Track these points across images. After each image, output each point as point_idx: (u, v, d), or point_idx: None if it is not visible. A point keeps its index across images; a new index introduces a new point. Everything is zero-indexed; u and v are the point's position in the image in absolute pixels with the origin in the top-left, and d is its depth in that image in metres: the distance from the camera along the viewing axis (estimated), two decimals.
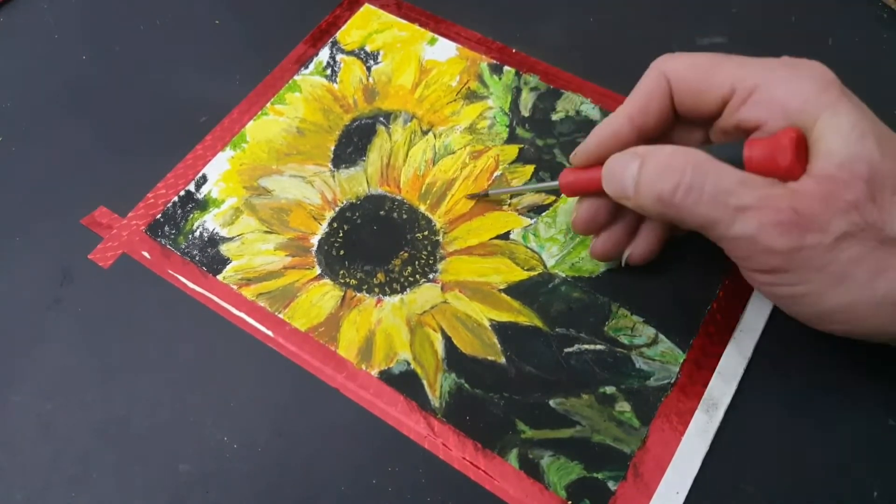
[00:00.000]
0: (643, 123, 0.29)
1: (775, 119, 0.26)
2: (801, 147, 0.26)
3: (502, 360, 0.31)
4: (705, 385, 0.30)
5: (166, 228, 0.35)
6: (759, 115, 0.27)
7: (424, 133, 0.38)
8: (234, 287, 0.33)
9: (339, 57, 0.41)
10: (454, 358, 0.31)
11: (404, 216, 0.35)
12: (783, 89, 0.26)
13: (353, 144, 0.37)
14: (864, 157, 0.24)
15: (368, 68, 0.40)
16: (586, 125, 0.37)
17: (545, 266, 0.33)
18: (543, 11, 0.42)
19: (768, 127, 0.27)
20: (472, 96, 0.39)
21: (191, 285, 0.34)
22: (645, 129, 0.29)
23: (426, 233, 0.35)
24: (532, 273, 0.33)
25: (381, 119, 0.38)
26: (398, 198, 0.36)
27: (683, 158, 0.26)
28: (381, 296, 0.33)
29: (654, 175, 0.27)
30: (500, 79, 0.39)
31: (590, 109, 0.38)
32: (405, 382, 0.31)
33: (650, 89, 0.29)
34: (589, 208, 0.31)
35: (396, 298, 0.33)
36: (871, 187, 0.24)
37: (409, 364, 0.31)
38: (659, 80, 0.29)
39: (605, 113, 0.37)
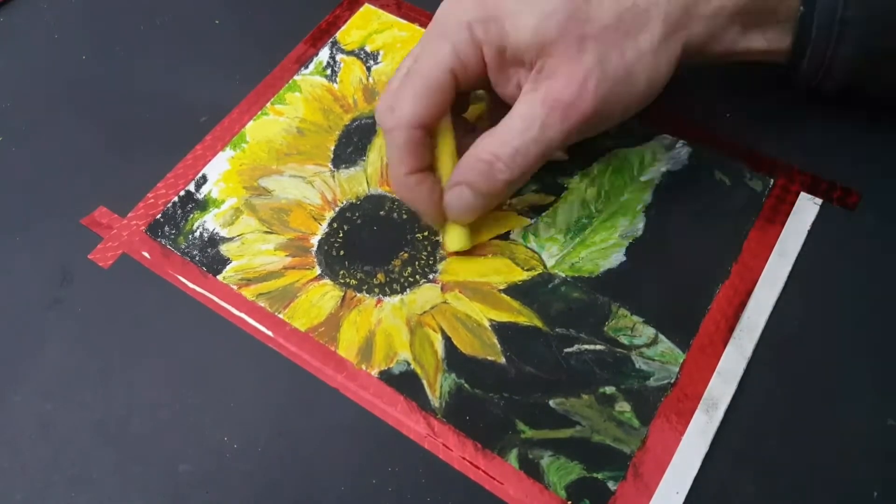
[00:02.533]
0: (418, 164, 0.31)
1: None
2: None
3: (502, 360, 0.31)
4: (705, 385, 0.30)
5: (166, 228, 0.35)
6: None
7: None
8: (234, 287, 0.34)
9: (339, 57, 0.41)
10: (454, 358, 0.31)
11: (404, 216, 0.35)
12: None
13: (353, 144, 0.37)
14: (548, 6, 0.29)
15: (368, 68, 0.40)
16: None
17: (545, 266, 0.33)
18: None
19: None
20: (471, 96, 0.39)
21: (191, 285, 0.34)
22: (424, 166, 0.32)
23: (426, 233, 0.35)
24: (532, 273, 0.33)
25: None
26: (398, 198, 0.36)
27: (483, 150, 0.30)
28: (381, 296, 0.33)
29: (486, 179, 0.30)
30: None
31: None
32: (405, 382, 0.31)
33: (400, 143, 0.31)
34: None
35: (396, 299, 0.33)
36: (573, 17, 0.29)
37: (409, 364, 0.31)
38: (398, 134, 0.31)
39: None
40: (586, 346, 0.31)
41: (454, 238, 0.33)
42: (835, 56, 0.31)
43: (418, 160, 0.31)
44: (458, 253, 0.34)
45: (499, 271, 0.33)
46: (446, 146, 0.32)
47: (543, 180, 0.36)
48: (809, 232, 0.34)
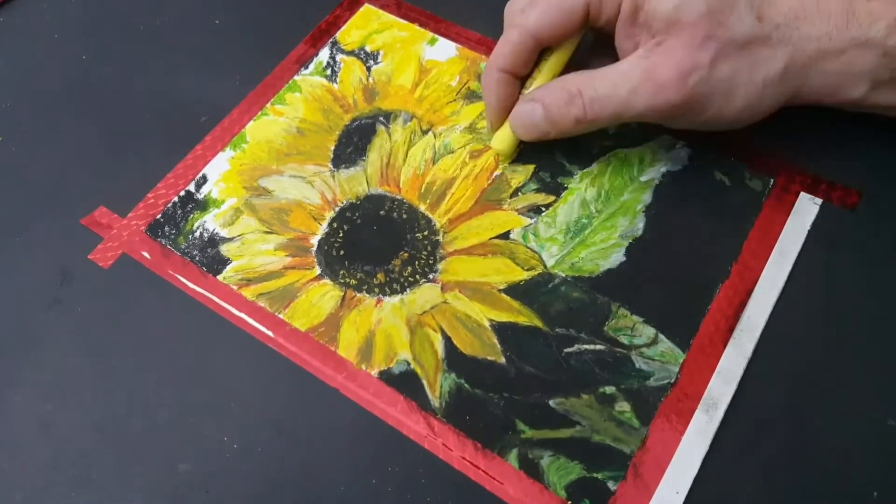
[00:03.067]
0: (513, 65, 0.33)
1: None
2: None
3: (502, 360, 0.31)
4: (705, 385, 0.30)
5: (166, 228, 0.35)
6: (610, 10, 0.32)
7: (424, 133, 0.38)
8: (235, 287, 0.34)
9: (339, 57, 0.41)
10: (454, 358, 0.31)
11: (404, 216, 0.35)
12: None
13: (352, 144, 0.37)
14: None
15: (368, 68, 0.40)
16: None
17: (545, 266, 0.33)
18: None
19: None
20: (472, 96, 0.39)
21: (191, 285, 0.34)
22: (517, 72, 0.34)
23: (426, 233, 0.35)
24: (532, 273, 0.33)
25: (381, 119, 0.38)
26: (398, 198, 0.36)
27: (571, 83, 0.32)
28: (381, 296, 0.33)
29: (559, 107, 0.32)
30: None
31: None
32: (405, 382, 0.31)
33: (511, 40, 0.33)
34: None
35: (396, 298, 0.33)
36: (712, 16, 0.30)
37: (409, 364, 0.31)
38: (514, 32, 0.32)
39: None
40: (586, 346, 0.31)
41: (502, 139, 0.35)
42: None
43: (517, 64, 0.33)
44: (457, 252, 0.34)
45: (499, 271, 0.33)
46: (548, 66, 0.34)
47: (543, 180, 0.36)
48: (809, 232, 0.34)
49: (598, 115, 0.32)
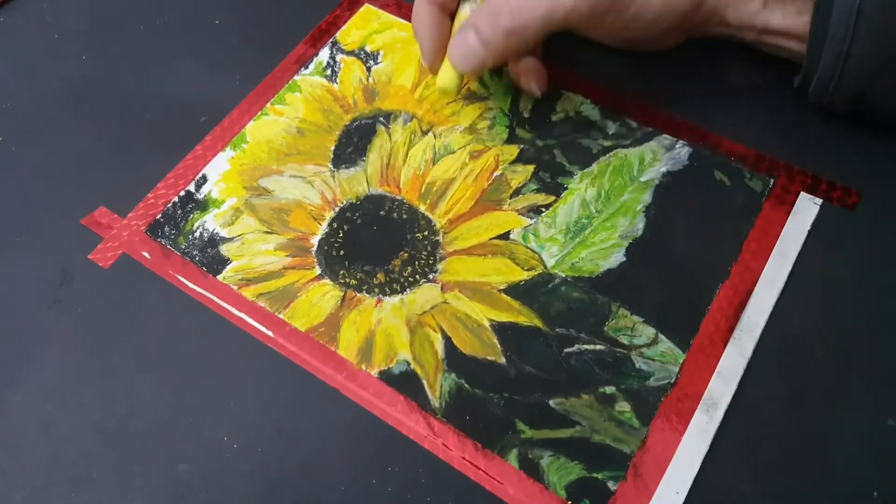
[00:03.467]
0: (444, 2, 0.34)
1: None
2: None
3: (502, 360, 0.31)
4: (705, 385, 0.30)
5: (166, 229, 0.35)
6: None
7: (424, 133, 0.38)
8: (235, 287, 0.34)
9: (339, 57, 0.41)
10: (454, 358, 0.31)
11: (404, 216, 0.35)
12: None
13: (353, 144, 0.37)
14: None
15: (368, 68, 0.40)
16: (586, 125, 0.37)
17: (545, 266, 0.33)
18: None
19: None
20: (472, 96, 0.39)
21: (191, 285, 0.34)
22: (447, 6, 0.35)
23: (426, 233, 0.35)
24: (532, 273, 0.33)
25: (381, 119, 0.38)
26: (398, 198, 0.36)
27: (497, 0, 0.32)
28: (381, 296, 0.33)
29: (490, 23, 0.33)
30: (500, 79, 0.39)
31: (589, 109, 0.38)
32: (405, 382, 0.31)
33: None
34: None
35: (396, 298, 0.33)
36: None
37: (409, 364, 0.31)
38: None
39: (604, 112, 0.37)
40: (586, 346, 0.31)
41: (444, 75, 0.35)
42: (850, 52, 0.31)
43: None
44: (457, 252, 0.34)
45: (499, 271, 0.33)
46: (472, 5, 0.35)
47: (543, 180, 0.36)
48: (809, 232, 0.34)
49: (527, 21, 0.32)
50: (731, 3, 0.34)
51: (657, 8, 0.33)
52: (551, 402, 0.30)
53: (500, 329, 0.32)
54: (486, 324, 0.32)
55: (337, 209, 0.36)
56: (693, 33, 0.36)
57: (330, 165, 0.37)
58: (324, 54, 0.41)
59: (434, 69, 0.36)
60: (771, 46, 0.35)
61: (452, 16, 0.35)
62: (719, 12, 0.34)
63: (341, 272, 0.34)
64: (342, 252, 0.34)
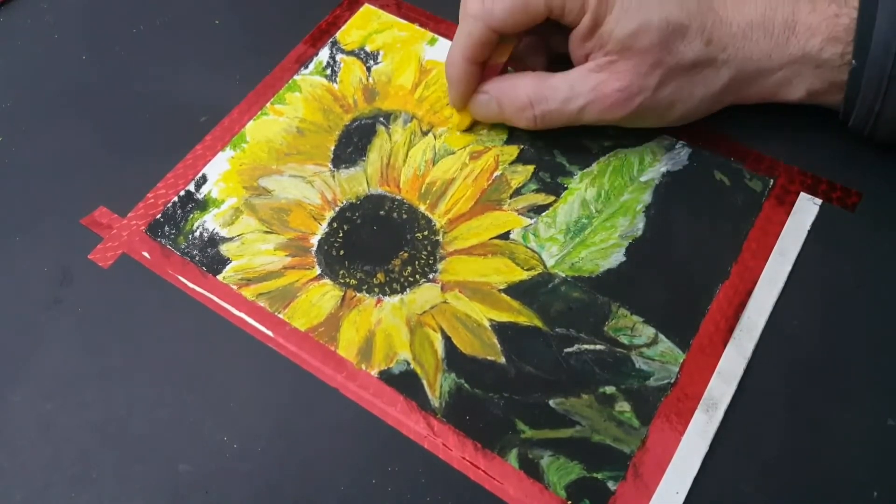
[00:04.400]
0: (478, 57, 0.35)
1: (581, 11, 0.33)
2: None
3: (502, 360, 0.31)
4: (705, 385, 0.30)
5: (166, 228, 0.35)
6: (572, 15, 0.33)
7: (424, 133, 0.38)
8: (234, 287, 0.33)
9: (338, 57, 0.41)
10: (454, 358, 0.31)
11: (404, 216, 0.35)
12: None
13: (353, 144, 0.37)
14: (650, 25, 0.32)
15: (368, 68, 0.40)
16: (586, 125, 0.37)
17: (545, 266, 0.33)
18: None
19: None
20: None
21: (191, 285, 0.34)
22: (481, 61, 0.35)
23: (426, 233, 0.35)
24: (532, 273, 0.33)
25: (381, 119, 0.38)
26: (398, 198, 0.36)
27: (523, 90, 0.34)
28: (380, 296, 0.33)
29: (514, 111, 0.35)
30: None
31: None
32: (405, 382, 0.31)
33: (475, 35, 0.34)
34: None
35: (396, 298, 0.33)
36: (664, 44, 0.32)
37: (408, 364, 0.31)
38: (479, 27, 0.33)
39: None
40: (586, 346, 0.31)
41: (464, 120, 0.37)
42: (882, 111, 0.32)
43: (482, 55, 0.34)
44: (457, 252, 0.34)
45: (499, 271, 0.33)
46: (504, 51, 0.35)
47: (543, 180, 0.36)
48: (809, 232, 0.34)
49: (548, 125, 0.35)
50: (765, 99, 0.35)
51: (674, 119, 0.35)
52: (551, 402, 0.30)
53: (500, 329, 0.32)
54: (486, 324, 0.32)
55: (337, 209, 0.36)
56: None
57: (330, 165, 0.37)
58: (324, 54, 0.41)
59: (459, 110, 0.37)
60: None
61: (484, 65, 0.35)
62: (755, 102, 0.35)
63: (341, 272, 0.34)
64: (342, 252, 0.34)
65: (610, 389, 0.30)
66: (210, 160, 0.37)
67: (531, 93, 0.34)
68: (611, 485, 0.28)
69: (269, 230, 0.35)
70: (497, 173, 0.36)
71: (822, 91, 0.34)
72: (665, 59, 0.32)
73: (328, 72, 0.40)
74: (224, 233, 0.35)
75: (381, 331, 0.32)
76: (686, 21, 0.32)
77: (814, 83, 0.33)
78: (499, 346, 0.32)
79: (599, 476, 0.29)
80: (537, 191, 0.35)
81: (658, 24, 0.32)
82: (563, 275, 0.33)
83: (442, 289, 0.33)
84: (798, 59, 0.33)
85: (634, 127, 0.36)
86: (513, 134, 0.37)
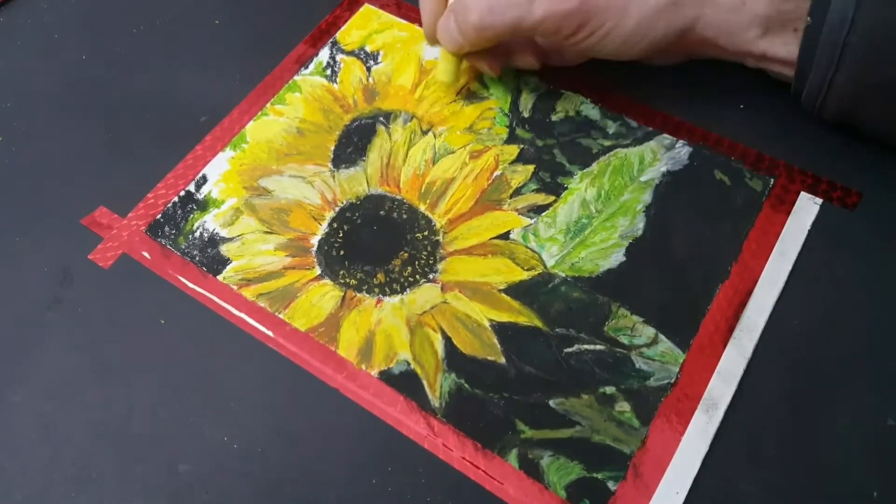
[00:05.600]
0: None
1: None
2: None
3: (502, 360, 0.31)
4: (705, 385, 0.30)
5: (166, 229, 0.35)
6: None
7: (424, 133, 0.38)
8: (234, 287, 0.33)
9: (339, 57, 0.41)
10: (454, 358, 0.31)
11: (404, 216, 0.35)
12: None
13: (352, 144, 0.37)
14: None
15: (368, 68, 0.40)
16: (586, 125, 0.37)
17: (545, 266, 0.33)
18: None
19: None
20: (472, 96, 0.39)
21: (191, 286, 0.34)
22: None
23: (426, 233, 0.35)
24: (532, 273, 0.33)
25: (381, 119, 0.38)
26: (398, 198, 0.36)
27: None
28: (381, 296, 0.33)
29: (462, 14, 0.34)
30: (500, 79, 0.39)
31: (589, 109, 0.38)
32: (405, 382, 0.31)
33: None
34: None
35: (396, 298, 0.33)
36: None
37: (409, 364, 0.31)
38: None
39: (604, 112, 0.37)
40: (586, 346, 0.31)
41: (441, 67, 0.37)
42: (834, 80, 0.32)
43: None
44: (457, 252, 0.34)
45: (499, 271, 0.33)
46: None
47: (543, 180, 0.36)
48: (809, 232, 0.34)
49: (495, 24, 0.33)
50: (723, 32, 0.34)
51: (627, 32, 0.33)
52: (551, 402, 0.30)
53: (500, 329, 0.32)
54: (486, 324, 0.32)
55: (337, 209, 0.36)
56: (691, 56, 0.36)
57: (330, 165, 0.37)
58: (324, 54, 0.41)
59: (431, 42, 0.37)
60: (775, 73, 0.35)
61: None
62: (710, 40, 0.34)
63: (341, 272, 0.34)
64: (342, 252, 0.34)
65: (610, 389, 0.30)
66: (210, 160, 0.37)
67: None
68: (611, 485, 0.28)
69: (269, 230, 0.35)
70: (497, 173, 0.36)
71: (776, 29, 0.33)
72: None
73: (328, 72, 0.40)
74: (224, 233, 0.35)
75: (382, 331, 0.32)
76: None
77: (770, 17, 0.32)
78: (499, 346, 0.32)
79: (599, 476, 0.29)
80: (537, 191, 0.35)
81: None
82: (563, 275, 0.33)
83: (442, 289, 0.33)
84: None
85: (590, 52, 0.35)
86: (513, 134, 0.37)
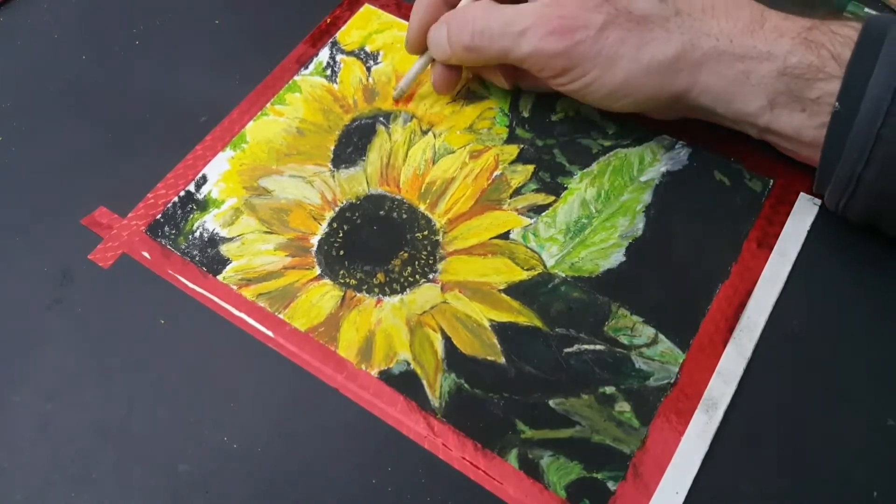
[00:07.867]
0: None
1: None
2: None
3: (502, 360, 0.31)
4: (705, 385, 0.30)
5: (166, 229, 0.35)
6: None
7: (424, 133, 0.38)
8: (234, 287, 0.34)
9: (339, 57, 0.41)
10: (454, 358, 0.31)
11: (404, 216, 0.35)
12: None
13: (352, 144, 0.37)
14: None
15: (368, 68, 0.40)
16: (586, 125, 0.37)
17: (545, 266, 0.33)
18: None
19: None
20: (472, 96, 0.39)
21: (191, 285, 0.34)
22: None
23: (426, 233, 0.35)
24: (532, 273, 0.33)
25: (381, 119, 0.38)
26: (398, 198, 0.36)
27: (472, 10, 0.34)
28: (380, 296, 0.33)
29: (456, 31, 0.34)
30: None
31: (589, 109, 0.38)
32: (405, 382, 0.31)
33: None
34: (442, 71, 0.37)
35: (396, 298, 0.33)
36: None
37: (408, 364, 0.31)
38: None
39: (604, 112, 0.37)
40: (586, 346, 0.31)
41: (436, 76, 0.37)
42: (863, 176, 0.29)
43: None
44: (457, 252, 0.34)
45: (499, 271, 0.33)
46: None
47: (543, 180, 0.36)
48: (809, 232, 0.34)
49: (486, 46, 0.33)
50: (721, 101, 0.32)
51: (612, 86, 0.32)
52: (551, 402, 0.30)
53: (500, 329, 0.32)
54: (486, 324, 0.32)
55: (337, 209, 0.36)
56: (687, 116, 0.35)
57: (330, 165, 0.37)
58: (324, 54, 0.41)
59: (411, 51, 0.37)
60: (781, 147, 0.34)
61: (452, 6, 0.36)
62: (708, 108, 0.33)
63: (341, 272, 0.34)
64: (342, 252, 0.34)
65: (610, 389, 0.30)
66: (210, 160, 0.37)
67: (479, 13, 0.33)
68: (611, 485, 0.28)
69: (269, 230, 0.35)
70: (497, 173, 0.36)
71: (784, 104, 0.31)
72: (617, 6, 0.31)
73: (328, 72, 0.40)
74: (224, 233, 0.35)
75: (381, 331, 0.32)
76: None
77: (777, 91, 0.30)
78: (499, 346, 0.32)
79: (599, 476, 0.29)
80: (537, 190, 0.35)
81: None
82: (563, 275, 0.33)
83: (442, 289, 0.33)
84: (762, 55, 0.30)
85: (575, 94, 0.34)
86: (513, 134, 0.37)
